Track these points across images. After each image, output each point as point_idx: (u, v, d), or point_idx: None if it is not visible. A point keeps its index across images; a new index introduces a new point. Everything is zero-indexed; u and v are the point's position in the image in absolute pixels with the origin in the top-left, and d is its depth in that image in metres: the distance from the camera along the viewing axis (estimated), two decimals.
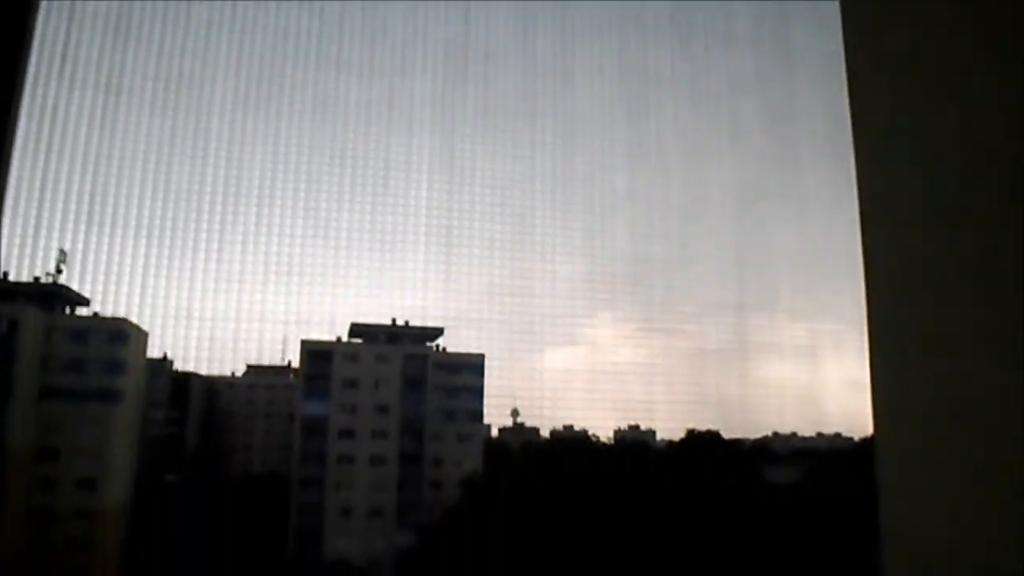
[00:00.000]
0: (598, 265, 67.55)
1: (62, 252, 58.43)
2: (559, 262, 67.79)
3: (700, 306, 68.57)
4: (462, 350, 64.07)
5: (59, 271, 57.88)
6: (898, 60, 1.91)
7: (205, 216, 60.92)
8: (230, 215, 61.71)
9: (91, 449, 52.90)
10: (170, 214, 60.63)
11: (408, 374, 61.76)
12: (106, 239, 59.08)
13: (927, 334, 1.78)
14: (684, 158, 72.63)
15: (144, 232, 60.24)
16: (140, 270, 59.45)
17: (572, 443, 68.21)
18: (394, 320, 64.16)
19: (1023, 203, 1.64)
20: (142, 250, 60.02)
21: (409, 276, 69.99)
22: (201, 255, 60.83)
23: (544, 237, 66.93)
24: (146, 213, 60.23)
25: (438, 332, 64.41)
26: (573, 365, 73.57)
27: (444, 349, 64.67)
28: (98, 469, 52.98)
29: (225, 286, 60.66)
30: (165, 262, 60.18)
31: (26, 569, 49.36)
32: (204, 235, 60.83)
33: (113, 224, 59.65)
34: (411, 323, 64.17)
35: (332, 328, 66.67)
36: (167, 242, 60.42)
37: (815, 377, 78.10)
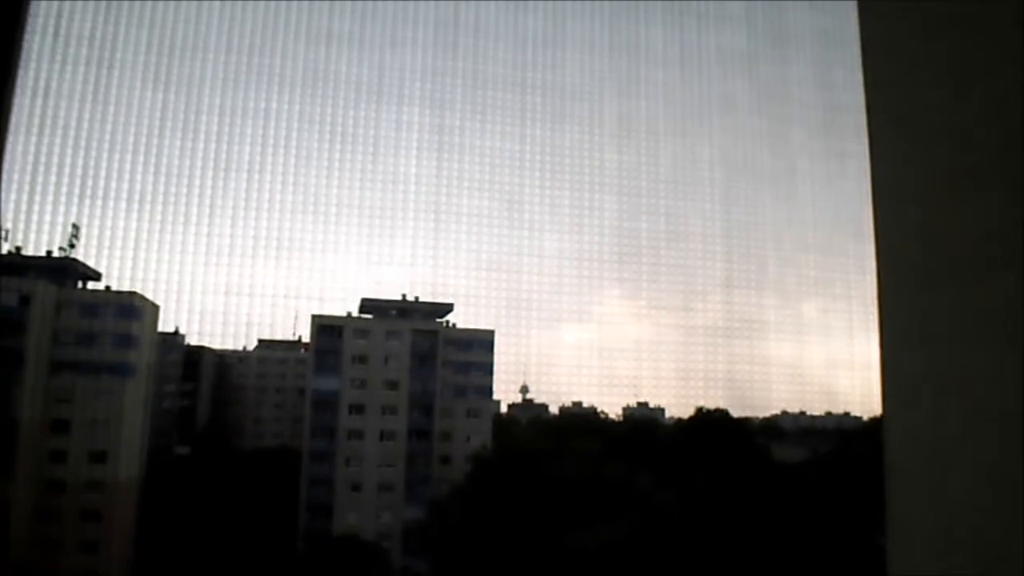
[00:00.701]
0: (587, 241, 67.59)
1: (75, 227, 58.70)
2: (548, 239, 67.93)
3: (689, 283, 68.54)
4: (472, 326, 64.29)
5: (72, 245, 58.16)
6: (915, 47, 1.84)
7: (196, 189, 61.14)
8: (221, 188, 61.93)
9: (103, 422, 53.37)
10: (161, 187, 60.97)
11: (418, 349, 62.00)
12: (98, 211, 59.37)
13: (940, 317, 1.71)
14: (673, 133, 72.26)
15: (136, 205, 60.53)
16: (132, 243, 59.71)
17: (581, 420, 68.43)
18: (404, 295, 64.32)
19: None
20: (134, 223, 60.30)
21: (398, 251, 70.30)
22: (192, 228, 61.13)
23: (533, 213, 66.92)
24: (137, 187, 60.56)
25: (448, 308, 64.57)
26: (573, 342, 73.56)
27: (454, 325, 64.88)
28: (110, 442, 53.47)
29: (215, 259, 60.86)
30: (156, 235, 60.41)
31: (38, 540, 49.98)
32: (195, 208, 61.09)
33: (105, 197, 59.91)
34: (421, 298, 64.42)
35: (321, 302, 67.31)
36: (159, 215, 60.62)
37: (808, 355, 78.13)
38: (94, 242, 58.88)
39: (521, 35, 70.58)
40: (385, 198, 65.47)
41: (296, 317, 75.96)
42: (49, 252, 57.26)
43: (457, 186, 66.04)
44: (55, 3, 59.22)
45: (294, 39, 65.23)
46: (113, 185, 59.86)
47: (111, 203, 60.08)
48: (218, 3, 63.79)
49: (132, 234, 59.72)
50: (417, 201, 65.44)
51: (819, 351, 76.77)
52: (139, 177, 60.55)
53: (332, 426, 59.39)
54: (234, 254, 61.26)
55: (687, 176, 70.84)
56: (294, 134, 64.06)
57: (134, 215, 60.46)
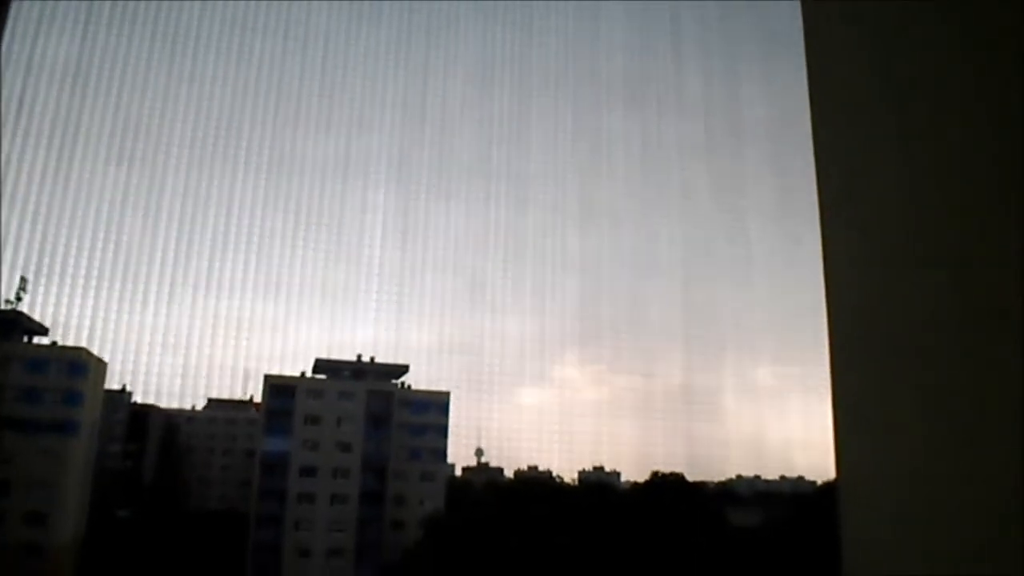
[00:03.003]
0: (548, 323, 68.48)
1: (23, 280, 57.57)
2: (510, 320, 68.37)
3: (649, 361, 69.76)
4: (425, 387, 63.90)
5: (19, 299, 56.96)
6: (866, 128, 1.95)
7: (157, 268, 60.78)
8: (182, 268, 61.64)
9: (43, 482, 51.60)
10: (121, 266, 60.23)
11: (372, 411, 61.19)
12: (54, 288, 58.55)
13: (889, 390, 1.79)
14: (634, 218, 74.16)
15: (93, 282, 59.58)
16: (88, 319, 58.84)
17: (536, 484, 67.78)
18: (359, 356, 63.74)
19: (994, 234, 1.66)
20: (90, 300, 59.34)
21: (360, 332, 70.44)
22: (151, 308, 60.53)
23: (495, 295, 67.69)
24: (96, 264, 59.82)
25: (403, 369, 64.04)
26: (530, 405, 73.74)
27: (409, 386, 64.31)
28: (50, 503, 51.64)
29: (174, 339, 60.46)
30: (114, 313, 59.63)
31: None
32: (155, 287, 60.62)
33: (63, 273, 59.18)
34: (376, 359, 63.89)
35: (274, 362, 67.14)
36: (117, 293, 59.86)
37: (764, 425, 79.79)
38: (39, 298, 57.90)
39: (487, 121, 72.27)
40: (348, 277, 65.73)
41: (248, 377, 74.78)
42: None
43: (421, 267, 66.71)
44: (20, 77, 59.13)
45: (261, 120, 65.82)
46: (71, 261, 59.21)
47: (68, 280, 59.29)
48: (185, 83, 63.96)
49: (88, 311, 58.88)
50: (381, 281, 65.84)
51: (774, 422, 78.33)
52: (98, 255, 60.01)
53: (282, 489, 58.03)
54: (192, 334, 60.70)
55: (648, 259, 72.57)
56: (258, 214, 64.27)
57: (91, 292, 59.55)
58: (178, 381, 60.73)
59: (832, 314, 1.89)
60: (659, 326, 70.56)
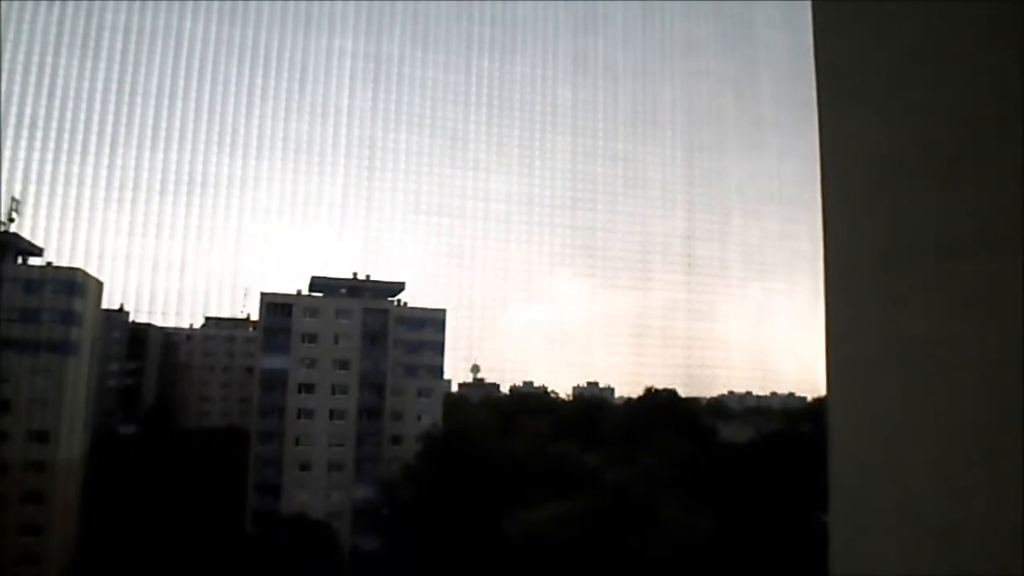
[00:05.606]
0: (538, 184, 62.77)
1: (14, 200, 56.99)
2: (495, 180, 62.90)
3: (646, 236, 64.78)
4: (421, 304, 63.86)
5: (11, 220, 56.52)
6: (867, 14, 1.91)
7: (96, 116, 55.72)
8: (124, 116, 56.25)
9: (44, 401, 52.16)
10: (56, 113, 55.56)
11: (369, 328, 61.54)
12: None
13: (884, 289, 1.80)
14: (633, 73, 66.88)
15: (24, 131, 54.97)
16: (24, 174, 54.39)
17: (531, 399, 68.77)
18: (355, 273, 63.65)
19: (981, 164, 1.65)
20: (22, 152, 55.02)
21: (327, 192, 63.79)
22: (91, 159, 55.66)
23: (479, 152, 62.17)
24: (27, 111, 55.10)
25: (399, 287, 64.19)
26: (526, 321, 73.07)
27: (405, 304, 64.55)
28: (52, 421, 52.33)
29: (118, 194, 55.64)
30: (49, 165, 55.14)
31: None
32: (95, 137, 55.89)
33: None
34: (372, 276, 63.87)
35: (238, 249, 63.65)
36: (52, 143, 55.43)
37: (766, 332, 77.24)
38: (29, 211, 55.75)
39: None
40: (313, 132, 59.92)
41: (245, 294, 75.01)
42: None
43: (395, 121, 61.18)
44: None
45: None
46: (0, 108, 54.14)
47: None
48: None
49: (20, 163, 54.13)
50: (350, 136, 60.38)
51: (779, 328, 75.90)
52: (29, 100, 55.18)
53: (281, 405, 58.82)
54: (139, 189, 56.04)
55: (647, 119, 67.04)
56: (209, 58, 58.59)
57: (22, 142, 54.94)
58: (176, 299, 59.20)
59: (828, 217, 1.89)
60: (659, 196, 64.83)
